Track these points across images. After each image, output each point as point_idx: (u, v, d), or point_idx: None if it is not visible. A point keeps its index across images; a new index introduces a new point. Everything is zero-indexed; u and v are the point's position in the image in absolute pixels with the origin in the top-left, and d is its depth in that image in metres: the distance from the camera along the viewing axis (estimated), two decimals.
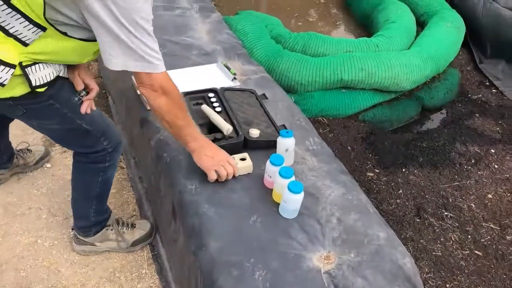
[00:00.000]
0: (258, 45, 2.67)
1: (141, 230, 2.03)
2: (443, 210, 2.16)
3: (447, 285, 1.78)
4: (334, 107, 2.61)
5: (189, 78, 2.18)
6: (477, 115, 2.88)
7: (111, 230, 1.97)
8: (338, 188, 1.67)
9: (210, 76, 2.22)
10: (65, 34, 1.30)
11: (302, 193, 1.47)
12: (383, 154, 2.44)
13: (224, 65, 2.27)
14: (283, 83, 2.57)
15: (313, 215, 1.54)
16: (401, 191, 2.23)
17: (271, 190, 1.61)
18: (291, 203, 1.49)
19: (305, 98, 2.58)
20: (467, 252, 1.95)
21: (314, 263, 1.40)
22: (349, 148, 2.45)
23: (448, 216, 2.12)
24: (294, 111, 2.06)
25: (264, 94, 2.10)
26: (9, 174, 2.26)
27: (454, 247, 1.97)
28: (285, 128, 1.90)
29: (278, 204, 1.56)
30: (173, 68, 2.19)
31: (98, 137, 1.67)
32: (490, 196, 2.24)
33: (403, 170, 2.36)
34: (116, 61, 1.26)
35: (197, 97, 1.97)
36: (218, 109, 1.88)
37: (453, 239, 2.01)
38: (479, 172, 2.39)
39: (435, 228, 2.06)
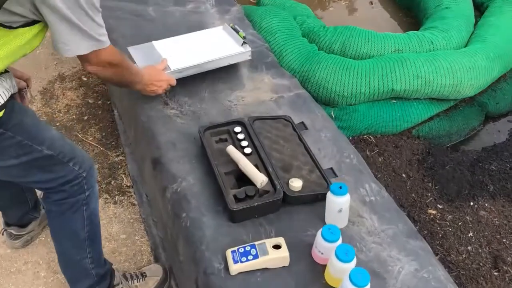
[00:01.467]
0: (288, 47, 2.30)
1: (154, 277, 1.77)
2: None
3: None
4: (383, 123, 2.25)
5: (193, 46, 2.02)
6: None
7: None
8: (408, 262, 1.34)
9: (217, 42, 2.04)
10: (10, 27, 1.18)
11: (369, 286, 1.14)
12: (445, 182, 2.09)
13: (232, 27, 2.05)
14: (320, 95, 2.21)
15: None
16: (471, 233, 1.89)
17: (322, 265, 1.30)
18: None
19: (347, 112, 2.22)
20: None
21: None
22: (403, 175, 2.10)
23: None
24: (341, 145, 1.71)
25: (303, 123, 1.75)
26: (41, 228, 1.99)
27: None
28: (333, 171, 1.57)
29: (331, 286, 1.25)
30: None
31: (65, 163, 1.44)
32: None
33: (471, 203, 2.01)
34: (69, 48, 1.24)
35: (220, 131, 1.64)
36: (248, 150, 1.55)
37: None
38: None
39: None
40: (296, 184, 1.45)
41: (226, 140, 1.63)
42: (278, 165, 1.53)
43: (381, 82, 2.14)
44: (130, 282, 1.73)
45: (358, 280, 1.14)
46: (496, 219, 1.96)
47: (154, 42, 2.05)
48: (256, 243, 1.31)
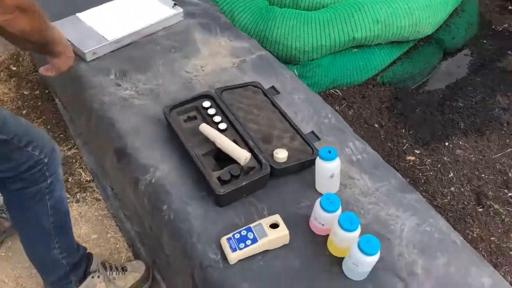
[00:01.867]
0: (239, 5, 2.15)
1: (135, 273, 1.65)
2: (506, 191, 1.87)
3: None
4: (348, 74, 2.19)
5: (123, 13, 1.90)
6: (509, 52, 2.53)
7: (98, 277, 1.58)
8: (408, 218, 1.32)
9: (146, 6, 1.94)
10: None
11: (379, 253, 1.10)
12: (417, 126, 2.08)
13: None
14: (280, 53, 2.10)
15: (390, 268, 1.20)
16: (451, 174, 1.90)
17: (323, 236, 1.24)
18: (363, 266, 1.13)
19: (311, 68, 2.14)
20: None
21: None
22: (376, 125, 2.07)
23: None
24: (317, 105, 1.63)
25: (273, 87, 1.64)
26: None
27: None
28: (315, 135, 1.49)
29: (336, 257, 1.20)
30: None
31: (23, 147, 1.27)
32: None
33: (446, 143, 2.02)
34: None
35: (188, 108, 1.50)
36: (222, 125, 1.43)
37: None
38: None
39: (503, 216, 1.78)
40: (281, 155, 1.36)
41: (195, 117, 1.50)
42: (258, 137, 1.43)
43: (341, 32, 2.06)
44: (108, 272, 1.61)
45: (368, 248, 1.09)
46: (472, 156, 1.99)
47: (78, 15, 1.85)
48: (251, 225, 1.22)
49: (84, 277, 1.56)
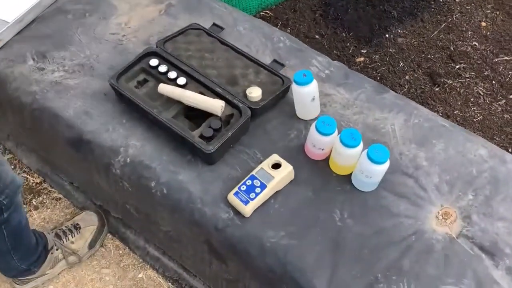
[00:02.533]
0: None
1: (90, 226, 1.62)
2: (453, 64, 1.96)
3: None
4: None
5: None
6: None
7: (57, 249, 1.54)
8: (395, 116, 1.34)
9: None
10: None
11: (389, 160, 1.11)
12: (354, 26, 2.08)
13: None
14: None
15: (396, 169, 1.23)
16: (401, 63, 1.95)
17: (321, 161, 1.23)
18: (377, 175, 1.15)
19: None
20: (504, 100, 1.81)
21: (437, 230, 1.12)
22: (317, 36, 2.03)
23: (461, 68, 1.93)
24: (265, 31, 1.56)
25: (215, 24, 1.53)
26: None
27: (488, 101, 1.82)
28: (277, 62, 1.43)
29: (342, 175, 1.20)
30: None
31: None
32: (483, 23, 2.07)
33: (387, 35, 2.05)
34: None
35: (135, 73, 1.37)
36: (181, 80, 1.33)
37: (481, 92, 1.85)
38: (456, 0, 2.17)
39: (458, 89, 1.87)
40: (255, 93, 1.29)
41: (146, 80, 1.37)
42: (223, 82, 1.34)
43: None
44: (64, 239, 1.56)
45: (378, 157, 1.10)
46: (413, 41, 2.04)
47: None
48: (253, 172, 1.18)
49: (44, 259, 1.51)
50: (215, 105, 1.24)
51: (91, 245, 1.59)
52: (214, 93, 1.30)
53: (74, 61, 1.49)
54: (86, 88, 1.41)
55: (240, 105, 1.26)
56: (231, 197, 1.15)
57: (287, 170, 1.17)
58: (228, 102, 1.28)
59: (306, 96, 1.27)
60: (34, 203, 1.77)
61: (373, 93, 1.39)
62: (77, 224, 1.60)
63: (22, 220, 1.36)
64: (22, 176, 1.84)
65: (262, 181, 1.16)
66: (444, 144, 1.28)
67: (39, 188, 1.80)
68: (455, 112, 1.80)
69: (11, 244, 1.34)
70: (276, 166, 1.19)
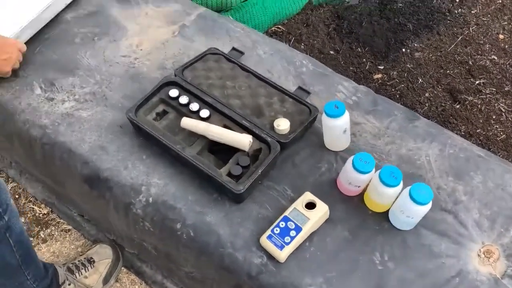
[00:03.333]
0: None
1: (105, 259, 1.56)
2: (472, 79, 1.91)
3: None
4: (285, 5, 2.03)
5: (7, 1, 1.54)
6: None
7: (69, 284, 1.48)
8: (429, 146, 1.29)
9: None
10: None
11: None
12: (370, 40, 2.03)
13: None
14: (210, 3, 1.87)
15: (435, 204, 1.17)
16: (420, 79, 1.90)
17: (355, 197, 1.18)
18: (418, 216, 1.09)
19: (247, 11, 1.94)
20: None
21: (480, 270, 1.08)
22: (332, 52, 1.98)
23: (481, 84, 1.89)
24: (287, 54, 1.50)
25: (234, 49, 1.47)
26: None
27: (510, 118, 1.78)
28: (303, 89, 1.37)
29: (378, 213, 1.15)
30: None
31: None
32: (501, 36, 2.03)
33: (403, 50, 2.00)
34: None
35: (153, 104, 1.30)
36: (204, 113, 1.27)
37: (502, 109, 1.81)
38: (472, 11, 2.13)
39: (479, 105, 1.83)
40: (283, 125, 1.23)
41: (166, 112, 1.31)
42: (248, 113, 1.28)
43: None
44: (77, 274, 1.50)
45: (421, 197, 1.05)
46: (431, 55, 2.00)
47: None
48: (286, 213, 1.12)
49: None
50: (243, 141, 1.18)
51: (106, 280, 1.53)
52: (240, 126, 1.24)
53: (85, 88, 1.42)
54: (100, 120, 1.35)
55: (269, 139, 1.20)
56: (264, 240, 1.09)
57: (323, 211, 1.12)
58: (255, 135, 1.22)
59: (337, 129, 1.21)
60: (42, 236, 1.69)
61: (404, 120, 1.34)
62: (91, 258, 1.54)
63: (22, 228, 1.29)
64: (28, 206, 1.77)
65: (297, 223, 1.10)
66: (482, 177, 1.23)
67: (46, 219, 1.73)
68: (477, 130, 1.76)
69: (20, 256, 1.26)
70: (311, 205, 1.13)
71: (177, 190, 1.21)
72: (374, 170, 1.12)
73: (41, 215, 1.74)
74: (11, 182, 1.84)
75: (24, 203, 1.77)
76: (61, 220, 1.73)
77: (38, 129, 1.35)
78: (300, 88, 1.37)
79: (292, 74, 1.44)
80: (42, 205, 1.76)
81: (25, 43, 1.48)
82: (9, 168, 1.85)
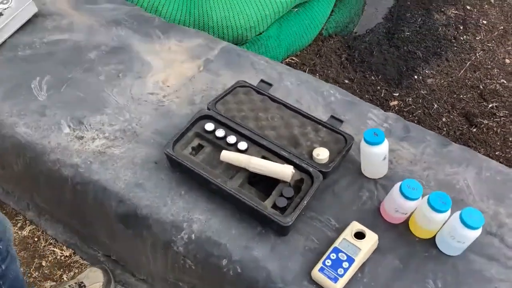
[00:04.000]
0: (164, 6, 1.86)
1: (96, 283, 1.51)
2: (485, 103, 1.95)
3: None
4: (298, 37, 2.07)
5: None
6: None
7: None
8: (466, 170, 1.29)
9: None
10: None
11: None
12: (382, 68, 2.07)
13: None
14: (226, 37, 1.90)
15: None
16: (435, 105, 1.93)
17: (399, 224, 1.17)
18: (469, 240, 1.08)
19: (262, 43, 1.97)
20: None
21: None
22: (347, 81, 2.00)
23: (495, 107, 1.92)
24: (313, 84, 1.51)
25: (263, 81, 1.47)
26: None
27: None
28: (335, 118, 1.37)
29: (423, 239, 1.14)
30: None
31: None
32: (507, 60, 2.08)
33: (415, 76, 2.04)
34: None
35: (189, 139, 1.28)
36: (242, 145, 1.26)
37: None
38: (477, 38, 2.20)
39: (495, 128, 1.86)
40: (323, 155, 1.23)
41: (201, 146, 1.29)
42: (285, 144, 1.28)
43: None
44: None
45: (473, 222, 1.04)
46: (442, 81, 2.04)
47: None
48: (336, 244, 1.10)
49: None
50: (286, 172, 1.17)
51: None
52: (280, 157, 1.23)
53: (114, 126, 1.40)
54: (134, 157, 1.33)
55: (310, 169, 1.20)
56: (316, 274, 1.07)
57: (373, 240, 1.10)
58: (296, 166, 1.21)
59: (377, 156, 1.21)
60: (65, 279, 1.63)
61: (438, 145, 1.35)
62: (82, 282, 1.49)
63: (19, 274, 1.25)
64: (49, 249, 1.71)
65: (348, 253, 1.08)
66: None
67: (69, 261, 1.67)
68: (496, 153, 1.78)
69: None
70: (360, 235, 1.12)
71: (220, 225, 1.18)
72: (421, 196, 1.12)
73: (63, 257, 1.68)
74: (29, 225, 1.78)
75: (44, 245, 1.71)
76: (85, 261, 1.68)
77: (70, 169, 1.32)
78: (332, 117, 1.38)
79: (321, 104, 1.45)
80: (64, 247, 1.71)
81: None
82: (27, 211, 1.80)
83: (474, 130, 1.87)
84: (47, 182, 1.42)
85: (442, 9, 2.34)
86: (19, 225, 1.79)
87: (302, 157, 1.24)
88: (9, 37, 1.64)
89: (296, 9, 2.08)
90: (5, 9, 1.62)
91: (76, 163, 1.33)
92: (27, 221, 1.79)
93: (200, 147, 1.30)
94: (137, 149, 1.35)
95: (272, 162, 1.20)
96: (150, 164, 1.31)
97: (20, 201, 1.79)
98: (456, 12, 2.34)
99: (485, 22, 2.28)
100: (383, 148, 1.20)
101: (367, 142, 1.19)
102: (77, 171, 1.32)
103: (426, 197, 1.10)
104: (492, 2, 2.37)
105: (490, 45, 2.18)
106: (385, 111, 1.93)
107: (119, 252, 1.55)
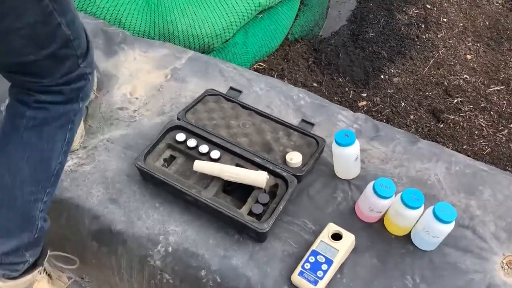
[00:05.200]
0: (122, 8, 1.84)
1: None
2: (450, 99, 2.00)
3: None
4: (264, 43, 2.08)
5: None
6: None
7: (40, 274, 1.20)
8: (435, 165, 1.33)
9: None
10: None
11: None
12: (349, 70, 2.10)
13: None
14: (192, 45, 1.89)
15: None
16: (403, 103, 1.97)
17: (375, 223, 1.18)
18: (443, 234, 1.11)
19: (229, 51, 1.97)
20: (506, 130, 1.86)
21: (507, 281, 1.10)
22: (315, 84, 2.02)
23: (459, 102, 1.98)
24: (282, 89, 1.53)
25: (232, 88, 1.47)
26: None
27: (491, 132, 1.87)
28: (306, 122, 1.38)
29: (399, 236, 1.16)
30: None
31: (77, 56, 1.04)
32: (468, 56, 2.15)
33: (382, 76, 2.07)
34: None
35: (160, 150, 1.27)
36: (215, 154, 1.26)
37: (483, 124, 1.90)
38: (438, 35, 2.26)
39: (461, 123, 1.91)
40: (296, 159, 1.24)
41: (173, 157, 1.28)
42: (258, 150, 1.28)
43: (246, 2, 1.92)
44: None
45: (446, 216, 1.07)
46: (408, 79, 2.08)
47: None
48: (314, 247, 1.11)
49: (33, 266, 1.16)
50: (260, 178, 1.17)
51: None
52: (253, 164, 1.23)
53: (87, 147, 1.37)
54: (105, 170, 1.30)
55: (284, 173, 1.20)
56: (296, 278, 1.07)
57: (350, 240, 1.11)
58: (270, 171, 1.21)
59: (349, 157, 1.23)
60: None
61: (407, 143, 1.38)
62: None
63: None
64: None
65: (327, 256, 1.09)
66: (491, 190, 1.27)
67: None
68: (464, 147, 1.83)
69: (60, 162, 1.09)
70: (337, 236, 1.13)
71: (197, 235, 1.17)
72: (395, 194, 1.14)
73: None
74: None
75: None
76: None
77: None
78: (303, 120, 1.39)
79: (292, 108, 1.46)
80: None
81: None
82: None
83: (441, 125, 1.92)
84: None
85: (404, 9, 2.40)
86: None
87: (276, 162, 1.24)
88: None
89: (261, 15, 2.09)
90: None
91: None
92: None
93: (172, 158, 1.29)
94: (108, 163, 1.32)
95: (245, 169, 1.20)
96: (122, 178, 1.29)
97: None
98: (417, 11, 2.40)
99: (445, 20, 2.36)
100: (355, 148, 1.22)
101: (338, 143, 1.21)
102: None
103: (399, 194, 1.13)
104: (451, 0, 2.44)
105: (451, 42, 2.25)
106: (354, 112, 1.97)
107: (92, 273, 1.52)
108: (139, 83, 1.53)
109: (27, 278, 1.13)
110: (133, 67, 1.58)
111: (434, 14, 2.37)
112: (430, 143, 1.39)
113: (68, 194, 1.26)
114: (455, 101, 2.00)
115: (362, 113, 1.97)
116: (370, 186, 1.14)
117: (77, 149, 1.35)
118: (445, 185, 1.28)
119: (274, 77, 2.05)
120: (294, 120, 1.42)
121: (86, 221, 1.23)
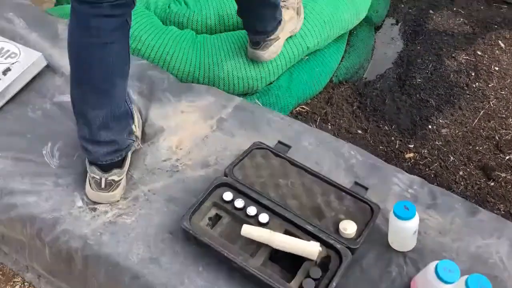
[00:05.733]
0: (170, 50, 1.81)
1: None
2: (501, 155, 1.91)
3: None
4: (309, 86, 2.03)
5: None
6: (430, 11, 2.58)
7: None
8: (497, 242, 1.25)
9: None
10: None
11: None
12: (396, 117, 2.03)
13: None
14: (236, 88, 1.85)
15: None
16: (451, 157, 1.88)
17: None
18: None
19: (272, 93, 1.93)
20: None
21: None
22: (360, 131, 1.96)
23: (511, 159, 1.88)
24: (332, 145, 1.47)
25: (280, 142, 1.41)
26: None
27: None
28: (360, 185, 1.31)
29: None
30: None
31: None
32: None
33: (429, 126, 1.99)
34: None
35: (205, 208, 1.22)
36: (263, 217, 1.20)
37: None
38: (489, 85, 2.17)
39: None
40: (350, 229, 1.17)
41: (219, 216, 1.23)
42: (308, 215, 1.21)
43: (293, 44, 1.87)
44: None
45: None
46: (457, 131, 1.99)
47: None
48: None
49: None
50: (312, 250, 1.10)
51: None
52: (304, 231, 1.17)
53: (128, 198, 1.33)
54: (147, 226, 1.26)
55: (338, 245, 1.13)
56: None
57: None
58: (322, 241, 1.14)
59: (408, 231, 1.15)
60: None
61: (467, 214, 1.29)
62: None
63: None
64: None
65: None
66: None
67: None
68: None
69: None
70: None
71: None
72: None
73: None
74: (28, 287, 1.69)
75: None
76: None
77: (78, 241, 1.24)
78: (356, 183, 1.32)
79: (342, 167, 1.39)
80: None
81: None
82: (25, 272, 1.70)
83: (492, 184, 1.82)
84: (54, 256, 1.33)
85: (453, 55, 2.32)
86: (18, 286, 1.70)
87: (328, 231, 1.18)
88: (17, 93, 1.58)
89: (307, 57, 2.04)
90: (13, 63, 1.56)
91: (85, 234, 1.25)
92: (25, 283, 1.70)
93: (217, 217, 1.23)
94: (150, 217, 1.28)
95: (296, 239, 1.14)
96: (164, 235, 1.24)
97: (18, 264, 1.70)
98: (467, 57, 2.32)
99: (497, 68, 2.27)
100: (414, 222, 1.15)
101: (397, 216, 1.14)
102: (86, 243, 1.24)
103: (464, 278, 1.04)
104: (503, 47, 2.35)
105: (503, 92, 2.16)
106: (401, 164, 1.90)
107: None
108: (185, 135, 1.49)
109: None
110: (179, 119, 1.54)
111: (485, 62, 2.29)
112: (492, 215, 1.30)
113: (107, 250, 1.22)
114: (507, 157, 1.90)
115: (409, 164, 1.91)
116: (431, 268, 1.06)
117: (118, 201, 1.32)
118: (508, 266, 1.19)
119: (317, 121, 1.99)
120: (346, 180, 1.36)
121: (126, 281, 1.19)
